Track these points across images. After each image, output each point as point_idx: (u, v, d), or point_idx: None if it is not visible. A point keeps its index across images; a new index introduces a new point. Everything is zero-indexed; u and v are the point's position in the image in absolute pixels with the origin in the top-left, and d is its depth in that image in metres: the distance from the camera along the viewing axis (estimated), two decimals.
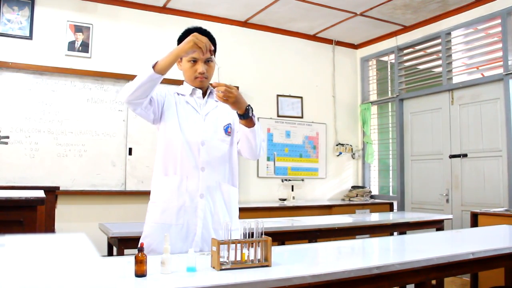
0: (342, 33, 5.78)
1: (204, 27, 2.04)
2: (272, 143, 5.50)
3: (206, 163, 1.96)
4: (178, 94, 2.04)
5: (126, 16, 4.72)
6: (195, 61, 1.97)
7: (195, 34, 1.80)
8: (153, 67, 1.75)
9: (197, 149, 1.95)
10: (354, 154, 6.12)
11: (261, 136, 2.00)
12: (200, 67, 1.97)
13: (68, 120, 4.32)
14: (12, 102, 4.10)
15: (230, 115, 2.07)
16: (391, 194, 5.87)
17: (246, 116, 1.89)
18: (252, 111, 1.90)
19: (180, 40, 1.99)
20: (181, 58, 1.98)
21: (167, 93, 2.01)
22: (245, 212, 4.53)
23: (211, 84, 2.07)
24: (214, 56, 2.03)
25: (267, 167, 5.45)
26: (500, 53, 4.48)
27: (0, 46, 4.13)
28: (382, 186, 6.09)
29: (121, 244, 2.72)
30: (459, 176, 4.86)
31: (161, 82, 1.80)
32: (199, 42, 1.77)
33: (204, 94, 2.06)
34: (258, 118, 5.49)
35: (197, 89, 2.04)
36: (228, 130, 2.05)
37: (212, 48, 1.86)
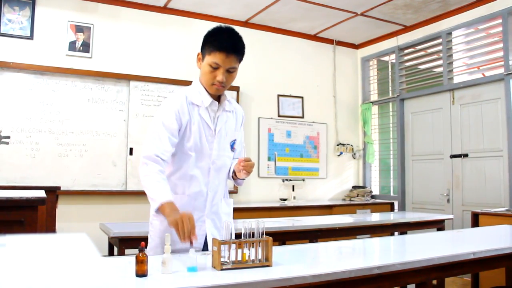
0: (342, 33, 5.78)
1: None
2: (272, 143, 5.50)
3: (213, 183, 1.95)
4: (192, 104, 1.91)
5: (127, 16, 4.72)
6: (216, 68, 1.82)
7: (181, 219, 1.64)
8: (160, 207, 1.74)
9: (207, 169, 1.93)
10: (355, 154, 6.12)
11: None
12: (220, 76, 1.82)
13: (69, 120, 4.32)
14: (13, 102, 4.11)
15: (236, 130, 2.05)
16: (392, 194, 5.87)
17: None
18: None
19: (205, 41, 1.86)
20: (202, 56, 1.87)
21: (181, 111, 1.87)
22: (246, 212, 4.55)
23: (243, 164, 1.89)
24: (240, 62, 1.91)
25: (268, 167, 5.45)
26: (501, 53, 4.47)
27: (1, 46, 4.13)
28: (383, 186, 6.08)
29: (122, 244, 2.73)
30: (460, 176, 4.86)
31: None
32: (178, 230, 1.63)
33: (217, 102, 1.95)
34: (259, 118, 5.52)
35: (215, 101, 1.92)
36: (233, 147, 2.03)
37: (194, 236, 1.66)
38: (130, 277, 1.41)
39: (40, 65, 4.22)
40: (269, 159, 5.46)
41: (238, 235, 1.61)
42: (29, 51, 4.24)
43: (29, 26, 4.25)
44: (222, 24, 1.93)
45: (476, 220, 3.70)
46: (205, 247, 1.93)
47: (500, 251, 2.12)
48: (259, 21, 5.36)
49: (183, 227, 1.62)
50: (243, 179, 1.99)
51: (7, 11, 4.17)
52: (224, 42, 1.82)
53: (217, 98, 1.95)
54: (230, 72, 1.87)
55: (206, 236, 1.93)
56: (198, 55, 1.92)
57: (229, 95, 2.05)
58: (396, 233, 4.15)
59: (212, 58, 1.81)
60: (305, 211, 4.92)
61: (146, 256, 1.41)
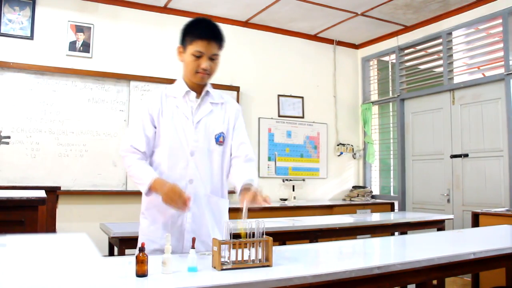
0: (343, 33, 5.78)
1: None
2: (273, 143, 5.50)
3: (194, 175, 1.88)
4: (167, 96, 1.93)
5: (127, 16, 4.72)
6: (199, 56, 1.84)
7: (170, 194, 1.71)
8: (149, 188, 1.80)
9: (185, 160, 1.87)
10: (355, 154, 6.12)
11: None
12: (204, 63, 1.84)
13: (69, 120, 4.32)
14: (13, 102, 4.11)
15: (224, 123, 1.96)
16: (392, 194, 5.87)
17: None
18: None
19: (185, 33, 1.88)
20: (183, 48, 1.89)
21: (152, 103, 1.91)
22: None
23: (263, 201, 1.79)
24: (220, 50, 1.91)
25: (268, 167, 5.45)
26: (501, 53, 4.47)
27: (1, 46, 4.13)
28: (383, 186, 6.08)
29: (122, 244, 2.72)
30: (460, 176, 4.86)
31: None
32: (172, 203, 1.72)
33: (199, 95, 1.94)
34: (259, 118, 5.51)
35: (192, 91, 1.92)
36: (219, 140, 1.93)
37: (188, 200, 1.71)
38: (130, 277, 1.41)
39: (40, 65, 4.22)
40: (269, 159, 5.46)
41: (237, 235, 1.61)
42: (29, 51, 4.24)
43: (29, 26, 4.25)
44: (199, 17, 1.95)
45: (476, 220, 3.70)
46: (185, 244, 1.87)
47: (500, 251, 2.12)
48: (259, 21, 5.36)
49: (173, 201, 1.71)
50: None
51: (8, 11, 4.17)
52: (204, 30, 1.86)
53: (199, 91, 1.95)
54: (213, 59, 1.88)
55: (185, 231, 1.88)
56: (178, 48, 1.93)
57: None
58: (396, 233, 4.15)
59: (195, 46, 1.84)
60: (305, 211, 4.91)
61: (147, 256, 1.41)
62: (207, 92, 1.96)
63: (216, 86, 2.09)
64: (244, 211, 1.70)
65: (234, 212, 1.99)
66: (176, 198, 1.71)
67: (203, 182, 1.90)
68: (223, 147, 1.95)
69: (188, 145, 1.88)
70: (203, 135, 1.91)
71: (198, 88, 1.94)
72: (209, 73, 1.89)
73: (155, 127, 1.90)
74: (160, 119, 1.89)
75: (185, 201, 1.71)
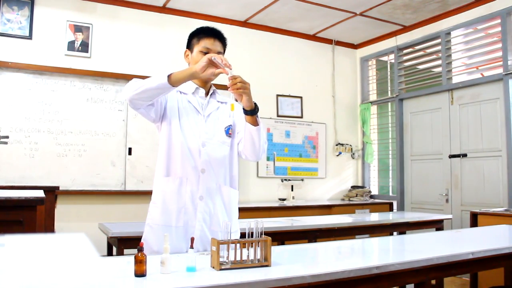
0: (341, 33, 5.78)
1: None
2: (272, 143, 5.50)
3: (206, 165, 1.94)
4: (180, 92, 2.01)
5: (125, 16, 4.71)
6: (206, 52, 1.93)
7: (210, 55, 1.81)
8: (168, 76, 1.74)
9: (197, 150, 1.94)
10: (353, 154, 6.12)
11: (264, 137, 1.99)
12: None
13: (68, 120, 4.32)
14: (11, 102, 4.10)
15: (232, 117, 2.05)
16: (390, 194, 5.88)
17: (254, 113, 1.89)
18: (258, 109, 1.91)
19: (191, 36, 2.02)
20: (190, 50, 2.01)
21: (172, 94, 1.98)
22: (245, 212, 4.53)
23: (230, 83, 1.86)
24: (224, 50, 2.04)
25: (267, 167, 5.45)
26: (499, 53, 4.48)
27: (0, 46, 4.12)
28: (381, 186, 6.09)
29: (121, 244, 2.72)
30: (458, 176, 4.86)
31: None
32: (214, 59, 1.78)
33: (206, 94, 2.05)
34: None
35: (200, 88, 2.03)
36: (229, 132, 2.03)
37: (228, 63, 1.81)
38: (129, 277, 1.40)
39: (39, 65, 4.21)
40: (268, 159, 5.46)
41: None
42: (28, 51, 4.23)
43: (28, 26, 4.24)
44: (203, 26, 2.07)
45: (474, 220, 3.70)
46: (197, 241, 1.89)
47: (499, 251, 2.12)
48: (258, 21, 5.36)
49: (214, 57, 1.77)
50: (249, 112, 1.88)
51: (6, 11, 4.17)
52: (209, 30, 2.00)
53: (206, 90, 2.05)
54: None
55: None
56: (185, 52, 2.06)
57: (228, 95, 2.04)
58: (395, 233, 4.16)
59: (202, 44, 1.96)
60: (304, 211, 4.92)
61: (145, 256, 1.41)
62: (214, 91, 2.08)
63: (215, 86, 2.12)
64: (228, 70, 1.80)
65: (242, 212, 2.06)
66: (203, 59, 1.77)
67: (215, 172, 1.97)
68: (231, 139, 2.05)
69: (200, 136, 1.96)
70: (213, 128, 2.01)
71: (204, 87, 2.05)
72: None
73: (163, 105, 1.94)
74: (176, 110, 1.96)
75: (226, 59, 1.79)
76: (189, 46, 2.03)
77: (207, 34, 1.97)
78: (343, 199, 5.79)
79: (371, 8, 4.90)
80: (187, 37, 2.05)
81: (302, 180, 5.68)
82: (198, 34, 1.99)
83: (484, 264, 2.15)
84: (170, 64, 4.81)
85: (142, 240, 1.90)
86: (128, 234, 2.74)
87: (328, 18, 5.27)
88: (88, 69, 4.43)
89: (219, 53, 1.95)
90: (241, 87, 1.80)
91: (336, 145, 5.99)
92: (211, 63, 1.79)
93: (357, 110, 6.23)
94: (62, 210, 4.06)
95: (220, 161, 1.99)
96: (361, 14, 5.10)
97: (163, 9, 4.90)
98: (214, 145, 1.98)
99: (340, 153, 6.01)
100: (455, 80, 4.98)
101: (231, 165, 2.04)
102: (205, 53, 1.92)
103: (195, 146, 1.95)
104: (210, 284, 1.35)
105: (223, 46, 2.02)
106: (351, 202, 5.50)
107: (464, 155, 4.79)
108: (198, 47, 1.97)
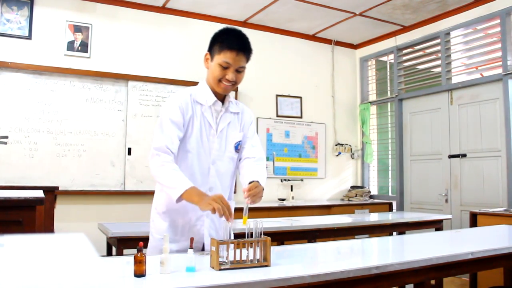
0: (341, 33, 5.78)
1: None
2: (271, 143, 5.50)
3: (214, 183, 1.93)
4: (195, 102, 1.92)
5: (125, 16, 4.71)
6: (226, 67, 1.84)
7: (218, 199, 1.67)
8: (180, 195, 1.72)
9: (207, 168, 1.92)
10: (353, 154, 6.12)
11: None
12: (230, 74, 1.85)
13: (67, 120, 4.32)
14: (11, 102, 4.10)
15: (241, 132, 2.02)
16: (390, 194, 5.88)
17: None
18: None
19: (214, 41, 1.87)
20: (211, 56, 1.89)
21: (185, 107, 1.88)
22: None
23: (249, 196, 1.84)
24: (247, 62, 1.92)
25: (266, 167, 5.44)
26: (499, 53, 4.48)
27: None
28: (381, 186, 6.09)
29: (120, 244, 2.72)
30: (458, 176, 4.87)
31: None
32: (219, 210, 1.64)
33: (221, 102, 1.96)
34: (257, 118, 5.51)
35: (218, 101, 1.94)
36: (238, 148, 2.00)
37: (232, 215, 1.71)
38: (128, 277, 1.41)
39: (39, 65, 4.21)
40: (267, 159, 5.46)
41: (237, 235, 1.61)
42: (28, 51, 4.23)
43: (27, 26, 4.24)
44: (229, 26, 1.96)
45: (474, 220, 3.70)
46: (203, 248, 1.93)
47: (498, 251, 2.13)
48: (258, 21, 5.36)
49: (220, 208, 1.63)
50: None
51: (5, 11, 4.17)
52: (234, 41, 1.84)
53: (222, 99, 1.97)
54: (239, 71, 1.89)
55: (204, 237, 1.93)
56: (206, 55, 1.93)
57: (231, 95, 2.04)
58: (394, 233, 4.16)
59: (223, 57, 1.83)
60: (304, 211, 4.92)
61: (145, 256, 1.41)
62: (229, 102, 2.00)
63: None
64: (247, 198, 1.80)
65: (237, 211, 2.06)
66: (222, 209, 1.65)
67: (223, 189, 1.95)
68: (238, 154, 2.03)
69: (211, 154, 1.93)
70: (224, 144, 1.96)
71: (220, 95, 1.96)
72: (233, 84, 1.91)
73: (185, 128, 1.90)
74: (189, 125, 1.90)
75: (231, 212, 1.69)
76: (211, 50, 1.90)
77: (230, 47, 1.82)
78: (342, 199, 5.79)
79: (370, 8, 4.91)
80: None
81: (302, 180, 5.68)
82: (221, 42, 1.84)
83: (483, 264, 2.15)
84: (170, 64, 4.81)
85: (147, 250, 1.88)
86: (127, 234, 2.74)
87: (328, 18, 5.27)
88: (87, 69, 4.43)
89: (241, 67, 1.86)
90: (255, 200, 1.81)
91: (336, 145, 5.99)
92: (214, 212, 1.67)
93: (356, 110, 6.23)
94: (62, 210, 4.06)
95: (226, 176, 1.98)
96: (361, 14, 5.10)
97: (163, 9, 4.90)
98: (224, 162, 1.96)
99: (339, 153, 6.01)
100: (455, 80, 4.98)
101: (232, 179, 2.04)
102: (225, 68, 1.83)
103: (205, 165, 1.92)
104: (210, 284, 1.35)
105: (247, 58, 1.89)
106: (350, 202, 5.50)
107: (464, 155, 4.79)
108: (219, 58, 1.84)
